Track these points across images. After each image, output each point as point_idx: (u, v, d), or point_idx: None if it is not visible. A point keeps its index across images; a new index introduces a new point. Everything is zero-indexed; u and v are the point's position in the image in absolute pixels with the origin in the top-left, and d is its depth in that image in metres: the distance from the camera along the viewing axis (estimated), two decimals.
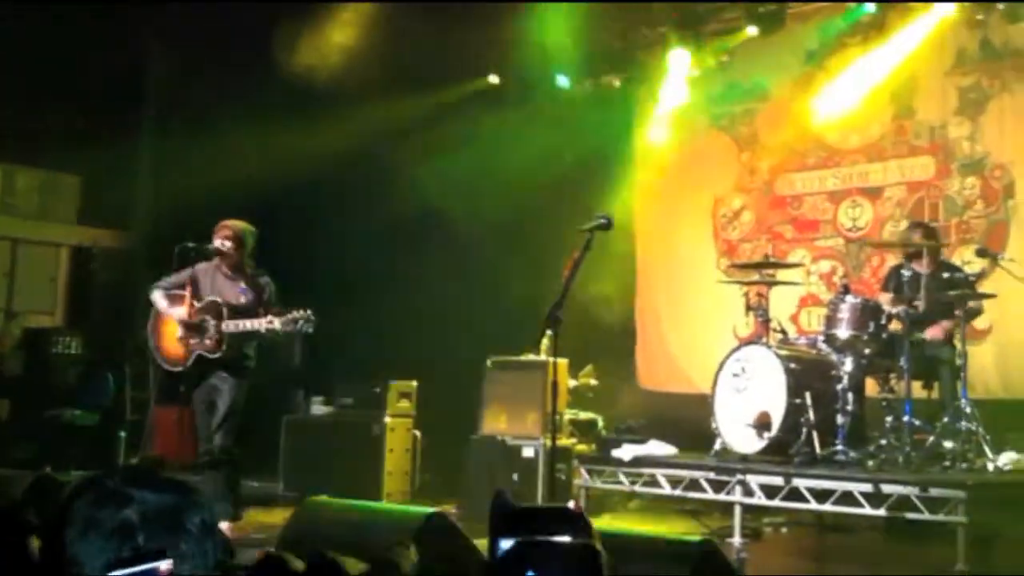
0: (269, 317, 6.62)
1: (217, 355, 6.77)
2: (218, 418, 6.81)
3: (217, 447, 6.80)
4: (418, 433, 9.24)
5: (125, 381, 10.50)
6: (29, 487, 5.62)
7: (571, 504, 2.37)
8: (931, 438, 6.57)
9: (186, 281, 6.92)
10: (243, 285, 6.90)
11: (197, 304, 6.88)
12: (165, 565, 1.68)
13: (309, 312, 6.60)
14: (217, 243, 6.85)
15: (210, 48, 10.29)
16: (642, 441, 7.38)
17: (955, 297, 6.83)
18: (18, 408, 10.74)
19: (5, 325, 11.58)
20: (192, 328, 6.85)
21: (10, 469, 9.59)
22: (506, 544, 1.90)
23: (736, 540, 6.45)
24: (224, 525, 6.75)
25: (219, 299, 6.84)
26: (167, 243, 7.22)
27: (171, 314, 6.93)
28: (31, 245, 12.13)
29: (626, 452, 7.17)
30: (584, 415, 8.79)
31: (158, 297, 6.97)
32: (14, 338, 11.47)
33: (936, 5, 8.79)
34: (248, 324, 6.67)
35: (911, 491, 5.86)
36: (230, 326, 6.72)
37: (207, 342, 6.78)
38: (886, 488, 5.98)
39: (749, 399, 6.90)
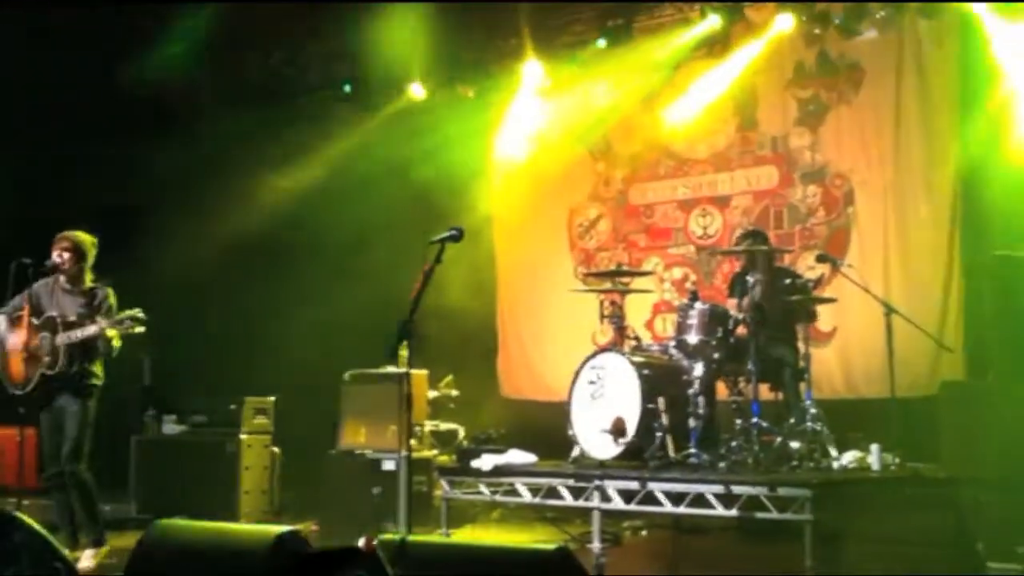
0: (97, 320, 6.45)
1: (56, 371, 6.53)
2: (66, 440, 6.56)
3: (67, 470, 6.55)
4: (276, 450, 9.06)
5: None
6: None
7: (362, 543, 2.35)
8: (778, 439, 6.77)
9: (25, 300, 6.67)
10: (82, 299, 6.68)
11: (36, 322, 6.63)
12: None
13: (138, 311, 6.42)
14: (55, 255, 6.63)
15: (48, 58, 9.90)
16: (502, 450, 7.39)
17: (795, 302, 7.07)
18: None
19: None
20: (32, 348, 6.61)
21: None
22: None
23: (596, 545, 6.51)
24: (88, 552, 6.52)
25: (55, 314, 6.61)
26: (1, 260, 6.89)
27: (8, 338, 6.71)
28: None
29: (486, 462, 7.17)
30: (445, 426, 8.77)
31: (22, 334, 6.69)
32: None
33: (776, 20, 9.11)
34: (79, 333, 6.49)
35: (760, 491, 6.01)
36: (63, 338, 6.51)
37: (45, 359, 6.56)
38: (736, 489, 6.12)
39: (605, 406, 6.98)
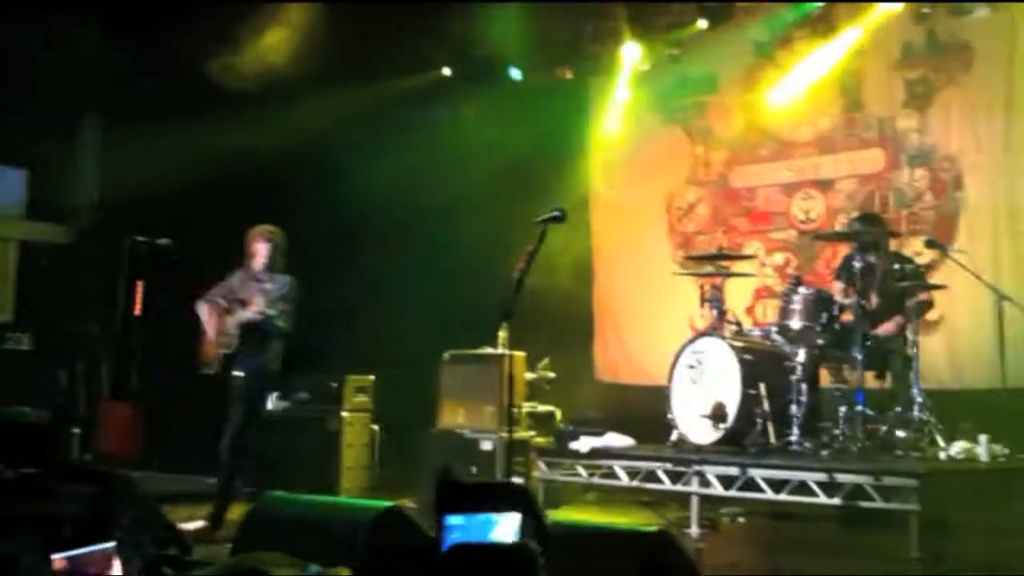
0: (257, 302, 6.83)
1: (231, 350, 6.92)
2: (234, 416, 6.95)
3: (231, 445, 6.91)
4: (376, 427, 9.20)
5: (76, 377, 10.36)
6: None
7: (517, 480, 2.34)
8: (884, 428, 6.65)
9: (225, 288, 7.12)
10: (267, 286, 7.03)
11: (226, 306, 7.03)
12: (108, 548, 1.65)
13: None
14: (253, 247, 7.09)
15: (156, 43, 10.16)
16: (599, 433, 7.40)
17: (906, 288, 6.91)
18: None
19: None
20: (221, 330, 7.03)
21: None
22: (454, 521, 1.88)
23: (693, 531, 6.50)
24: (199, 523, 6.73)
25: (241, 299, 6.98)
26: (114, 237, 7.14)
27: (205, 321, 7.09)
28: None
29: (583, 444, 7.19)
30: (542, 408, 8.79)
31: (200, 307, 7.10)
32: None
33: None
34: (245, 314, 6.88)
35: (865, 480, 5.93)
36: (232, 320, 6.93)
37: (225, 339, 6.98)
38: (840, 477, 6.04)
39: (704, 390, 6.94)
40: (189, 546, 5.98)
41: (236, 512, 7.25)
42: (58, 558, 1.53)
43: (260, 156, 10.38)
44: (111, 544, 1.63)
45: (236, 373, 7.01)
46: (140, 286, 6.86)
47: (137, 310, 6.88)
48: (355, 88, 10.69)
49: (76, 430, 9.58)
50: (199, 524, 6.77)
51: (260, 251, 7.10)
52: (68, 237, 12.20)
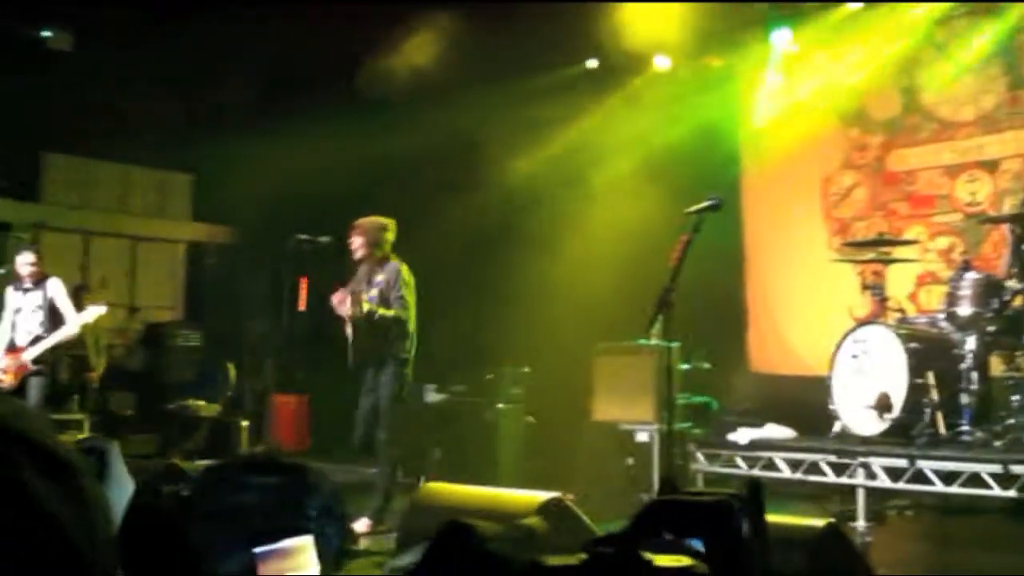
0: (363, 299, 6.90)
1: (355, 343, 7.03)
2: (378, 410, 7.09)
3: (377, 438, 7.05)
4: (531, 419, 9.29)
5: (244, 372, 10.77)
6: (155, 477, 5.82)
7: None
8: None
9: (356, 281, 7.25)
10: (378, 277, 7.13)
11: (350, 297, 7.13)
12: (304, 541, 1.71)
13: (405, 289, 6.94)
14: (350, 242, 7.16)
15: (311, 47, 10.47)
16: (758, 424, 7.29)
17: None
18: (142, 401, 11.12)
19: (128, 320, 11.99)
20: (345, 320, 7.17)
21: (136, 460, 9.95)
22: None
23: (860, 524, 6.34)
24: (363, 519, 6.88)
25: (361, 289, 7.10)
26: (276, 237, 7.40)
27: (343, 314, 7.19)
28: (149, 243, 12.54)
29: (743, 436, 7.10)
30: (697, 399, 8.72)
31: (335, 299, 7.22)
32: (136, 333, 11.87)
33: None
34: (354, 310, 6.93)
35: None
36: (345, 311, 7.00)
37: (348, 331, 7.10)
38: (1016, 468, 5.80)
39: (869, 380, 6.76)
40: (356, 537, 6.18)
41: (396, 503, 7.45)
42: (258, 551, 1.60)
43: (410, 156, 10.60)
44: (307, 537, 1.69)
45: (374, 367, 7.12)
46: (304, 283, 7.07)
47: (301, 306, 7.09)
48: (500, 85, 10.78)
49: (245, 423, 9.99)
50: (366, 522, 6.93)
51: (353, 244, 7.16)
52: (233, 237, 12.71)
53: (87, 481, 0.74)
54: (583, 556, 1.24)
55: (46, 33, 10.57)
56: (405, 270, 7.12)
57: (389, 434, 7.03)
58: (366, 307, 6.87)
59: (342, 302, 7.05)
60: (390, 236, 7.22)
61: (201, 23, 10.19)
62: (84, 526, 0.70)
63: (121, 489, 3.84)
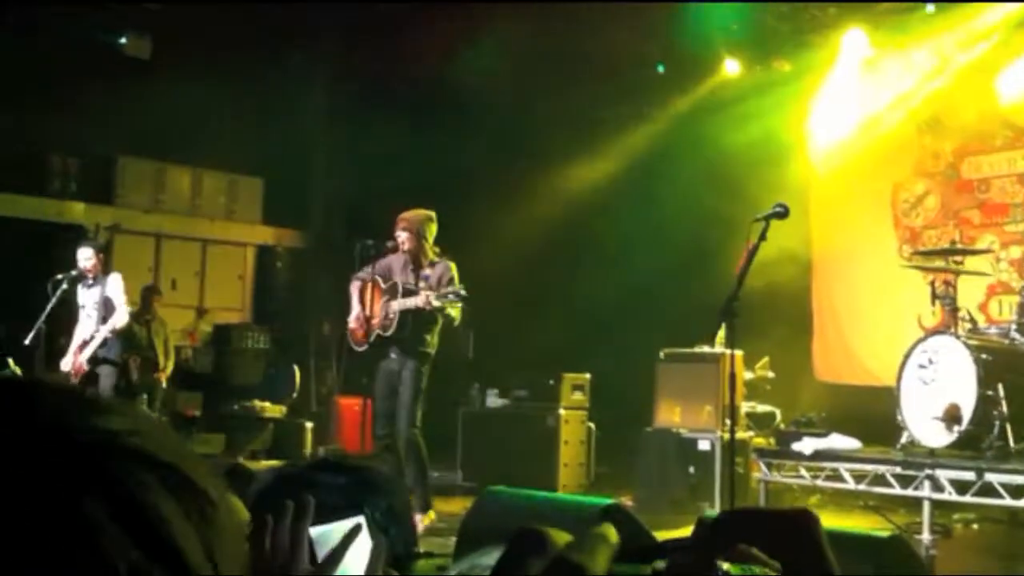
0: (426, 292, 6.81)
1: (389, 333, 6.98)
2: (400, 404, 6.97)
3: (401, 434, 6.95)
4: (592, 425, 9.28)
5: (309, 374, 10.91)
6: (222, 476, 5.92)
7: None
8: None
9: (383, 268, 7.21)
10: (427, 272, 7.09)
11: (383, 286, 7.13)
12: (356, 522, 1.72)
13: (460, 287, 6.78)
14: (397, 236, 7.09)
15: (376, 52, 10.57)
16: (823, 434, 7.20)
17: None
18: (209, 401, 11.31)
19: (197, 322, 12.21)
20: (373, 310, 7.13)
21: (203, 459, 10.12)
22: None
23: (925, 537, 6.23)
24: (416, 516, 6.91)
25: (399, 281, 7.07)
26: (343, 240, 7.48)
27: (355, 297, 7.23)
28: (219, 245, 12.75)
29: (807, 445, 7.01)
30: (761, 408, 8.63)
31: (353, 285, 7.26)
32: (205, 334, 12.07)
33: None
34: (409, 301, 6.89)
35: None
36: (397, 304, 6.96)
37: (383, 321, 7.04)
38: None
39: (937, 391, 6.64)
40: (416, 539, 6.20)
41: (457, 506, 7.48)
42: (313, 532, 1.63)
43: (476, 160, 10.65)
44: (359, 518, 1.71)
45: (392, 356, 7.04)
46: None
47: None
48: (567, 89, 10.80)
49: (310, 424, 10.10)
50: (420, 522, 6.95)
51: (399, 238, 7.08)
52: (301, 241, 12.88)
53: (222, 514, 0.72)
54: (658, 565, 1.23)
55: (123, 40, 10.82)
56: (454, 268, 7.12)
57: (414, 427, 6.99)
58: (436, 304, 6.81)
59: (372, 286, 7.04)
60: (434, 228, 7.19)
61: (272, 28, 10.36)
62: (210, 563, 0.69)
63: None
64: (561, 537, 2.02)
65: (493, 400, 9.63)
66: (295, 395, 10.92)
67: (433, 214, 7.21)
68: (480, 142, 10.58)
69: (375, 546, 1.76)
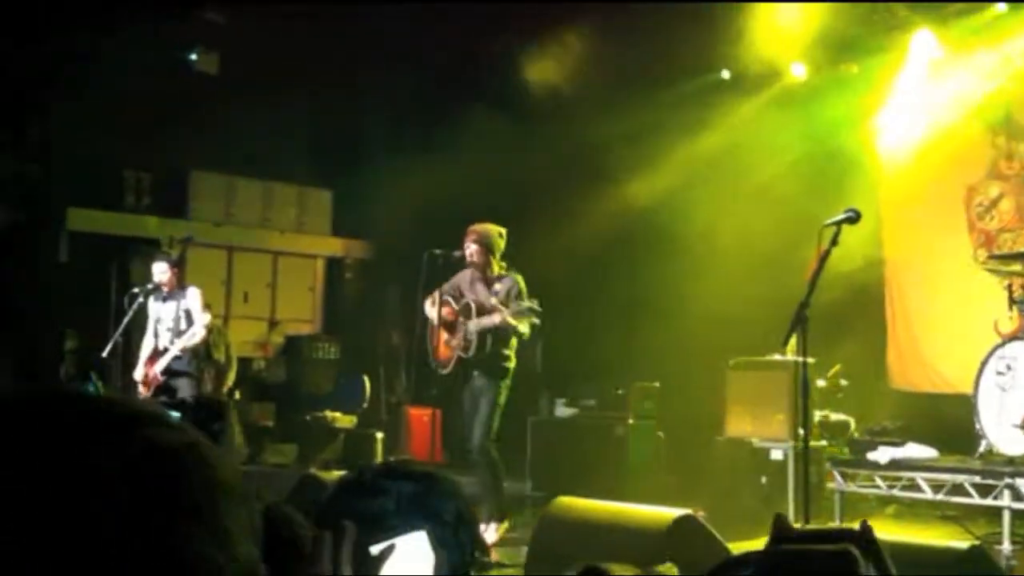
0: (500, 309, 6.83)
1: (470, 354, 7.02)
2: (478, 418, 7.03)
3: (477, 447, 7.01)
4: (661, 434, 9.22)
5: (379, 384, 11.00)
6: (295, 486, 5.99)
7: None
8: None
9: (453, 287, 7.25)
10: (496, 287, 7.09)
11: (456, 307, 7.16)
12: (419, 536, 1.74)
13: (534, 302, 6.77)
14: (465, 248, 7.10)
15: (447, 64, 10.65)
16: (899, 443, 7.08)
17: None
18: (281, 411, 11.47)
19: (269, 333, 12.39)
20: (451, 330, 7.17)
21: (275, 469, 10.27)
22: None
23: (1005, 547, 6.09)
24: (491, 526, 6.92)
25: (471, 300, 7.09)
26: (412, 252, 7.53)
27: (432, 318, 7.27)
28: (290, 257, 12.93)
29: (883, 455, 6.90)
30: (835, 416, 8.50)
31: (427, 304, 7.29)
32: (277, 346, 12.25)
33: None
34: (486, 321, 6.91)
35: None
36: (474, 325, 6.98)
37: (461, 342, 7.07)
38: None
39: (1016, 398, 6.50)
40: (488, 548, 6.22)
41: (528, 516, 7.49)
42: (374, 549, 1.64)
43: (542, 168, 10.66)
44: (421, 533, 1.72)
45: (475, 375, 7.08)
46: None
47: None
48: (632, 95, 10.75)
49: (380, 435, 10.18)
50: (496, 531, 6.96)
51: (468, 251, 7.07)
52: (371, 252, 13.01)
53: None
54: None
55: (193, 56, 11.03)
56: (522, 281, 7.13)
57: (489, 441, 7.01)
58: (512, 322, 6.82)
59: (448, 307, 7.07)
60: (503, 244, 7.18)
61: (340, 42, 10.49)
62: None
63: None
64: (625, 571, 2.02)
65: (561, 410, 9.61)
66: (365, 405, 11.02)
67: (503, 230, 7.22)
68: (546, 150, 10.59)
69: (437, 561, 1.77)
